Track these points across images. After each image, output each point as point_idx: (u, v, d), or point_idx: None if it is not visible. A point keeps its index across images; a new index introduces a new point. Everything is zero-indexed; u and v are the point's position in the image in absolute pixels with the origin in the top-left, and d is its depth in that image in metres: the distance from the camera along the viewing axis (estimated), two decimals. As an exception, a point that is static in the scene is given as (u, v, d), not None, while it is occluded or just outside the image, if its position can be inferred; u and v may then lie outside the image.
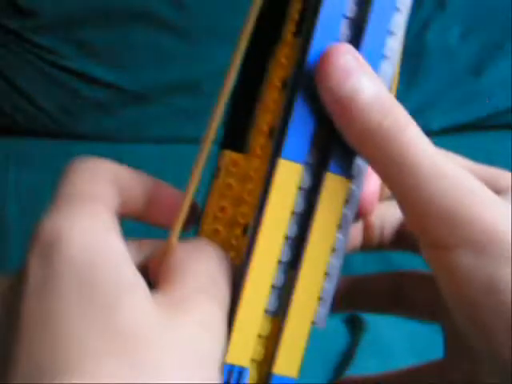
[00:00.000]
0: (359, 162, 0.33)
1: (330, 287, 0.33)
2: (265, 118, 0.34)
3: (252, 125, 0.35)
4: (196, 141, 1.30)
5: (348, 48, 0.31)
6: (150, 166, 1.11)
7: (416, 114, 1.27)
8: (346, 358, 0.90)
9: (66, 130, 1.12)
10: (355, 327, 0.96)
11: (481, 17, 1.11)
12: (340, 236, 0.33)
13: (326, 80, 0.30)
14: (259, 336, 0.33)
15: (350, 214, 0.33)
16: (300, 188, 0.32)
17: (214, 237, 0.34)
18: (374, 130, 0.30)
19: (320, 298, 0.34)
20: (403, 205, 0.30)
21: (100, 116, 1.12)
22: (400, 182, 0.29)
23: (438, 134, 1.12)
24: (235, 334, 0.32)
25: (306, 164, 0.32)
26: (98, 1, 1.09)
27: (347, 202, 0.33)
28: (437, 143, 1.22)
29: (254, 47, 0.34)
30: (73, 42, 1.09)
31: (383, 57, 0.34)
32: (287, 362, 0.34)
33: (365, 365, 0.88)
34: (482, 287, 0.27)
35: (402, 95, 1.27)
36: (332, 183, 0.32)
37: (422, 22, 1.11)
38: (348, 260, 1.15)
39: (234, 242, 0.34)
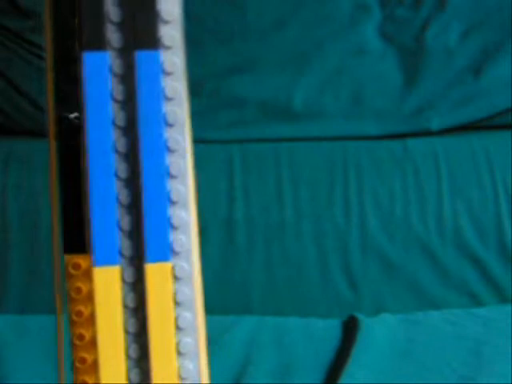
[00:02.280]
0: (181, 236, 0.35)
1: (190, 340, 0.34)
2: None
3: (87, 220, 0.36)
4: (196, 141, 1.30)
5: None
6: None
7: (416, 114, 1.26)
8: (339, 360, 0.90)
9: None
10: (351, 328, 0.96)
11: (480, 17, 1.11)
12: (177, 286, 0.34)
13: None
14: None
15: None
16: (124, 283, 0.33)
17: (79, 341, 0.34)
18: None
19: (180, 353, 0.34)
20: None
21: (100, 116, 1.12)
22: None
23: (438, 134, 1.13)
24: None
25: (123, 261, 0.34)
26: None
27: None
28: (437, 143, 1.22)
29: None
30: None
31: None
32: None
33: (358, 369, 0.88)
34: None
35: (402, 95, 1.26)
36: (153, 273, 0.34)
37: (422, 22, 1.11)
38: (348, 261, 1.14)
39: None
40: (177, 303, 0.35)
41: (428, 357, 0.90)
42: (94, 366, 0.34)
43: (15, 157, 1.10)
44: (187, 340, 0.34)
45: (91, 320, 0.34)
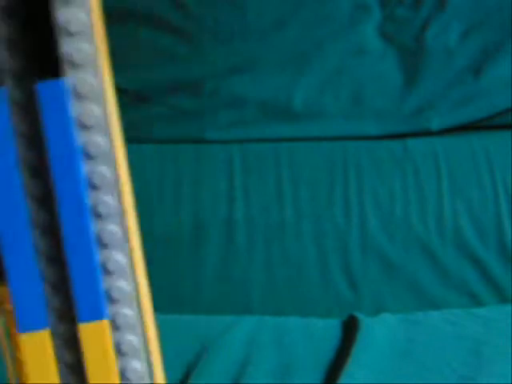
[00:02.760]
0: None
1: None
2: None
3: None
4: (196, 141, 1.30)
5: None
6: (150, 166, 1.11)
7: (416, 114, 1.26)
8: (339, 360, 0.90)
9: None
10: (351, 328, 0.96)
11: (481, 17, 1.11)
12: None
13: None
14: None
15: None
16: (57, 342, 0.31)
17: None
18: None
19: None
20: None
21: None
22: None
23: (438, 134, 1.12)
24: None
25: (53, 321, 0.30)
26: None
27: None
28: (437, 143, 1.22)
29: None
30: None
31: None
32: None
33: (357, 369, 0.88)
34: None
35: (402, 95, 1.26)
36: (88, 333, 0.31)
37: (422, 22, 1.11)
38: (348, 261, 1.14)
39: None
40: (121, 353, 0.32)
41: (428, 357, 0.90)
42: None
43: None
44: None
45: None
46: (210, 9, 1.10)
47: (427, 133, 1.12)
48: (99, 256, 0.30)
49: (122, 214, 0.29)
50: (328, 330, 0.97)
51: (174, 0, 1.09)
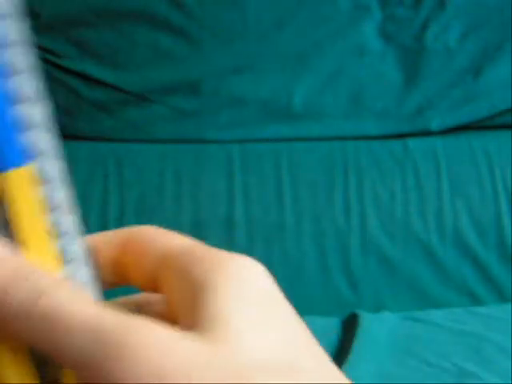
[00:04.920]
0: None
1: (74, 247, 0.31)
2: None
3: None
4: (196, 141, 1.30)
5: None
6: (150, 166, 1.11)
7: (416, 113, 1.26)
8: (339, 358, 0.90)
9: (65, 130, 1.12)
10: (351, 325, 0.96)
11: (480, 17, 1.11)
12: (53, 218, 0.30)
13: None
14: None
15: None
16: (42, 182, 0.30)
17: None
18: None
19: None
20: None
21: (100, 116, 1.12)
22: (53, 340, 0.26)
23: (438, 134, 1.13)
24: None
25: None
26: (98, 1, 1.09)
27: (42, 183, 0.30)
28: (437, 143, 1.22)
29: None
30: (72, 43, 1.09)
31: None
32: None
33: (357, 366, 0.88)
34: None
35: (402, 95, 1.26)
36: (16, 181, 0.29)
37: (422, 22, 1.11)
38: (348, 261, 1.13)
39: None
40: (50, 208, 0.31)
41: (428, 353, 0.90)
42: None
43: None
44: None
45: None
46: (210, 9, 1.10)
47: (427, 133, 1.13)
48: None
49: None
50: (328, 328, 0.97)
51: (174, 0, 1.09)
